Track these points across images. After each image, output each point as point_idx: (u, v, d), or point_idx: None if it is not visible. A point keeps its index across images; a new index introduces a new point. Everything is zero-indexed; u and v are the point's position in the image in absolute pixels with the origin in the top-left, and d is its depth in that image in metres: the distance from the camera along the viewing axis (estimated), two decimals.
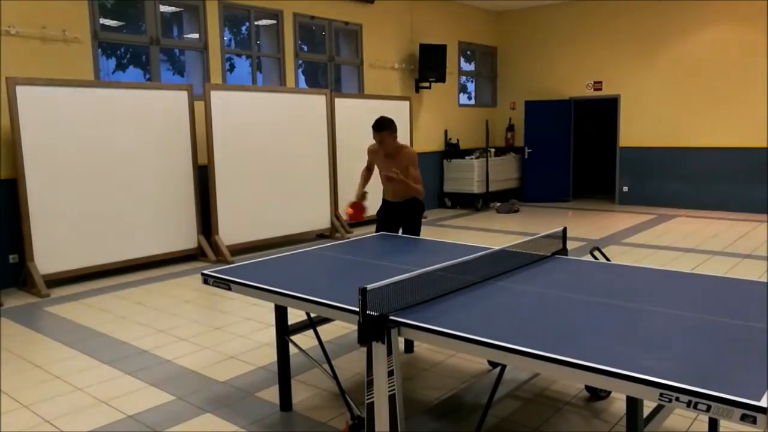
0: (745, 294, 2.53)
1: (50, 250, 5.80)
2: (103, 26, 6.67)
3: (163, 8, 7.25)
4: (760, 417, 1.48)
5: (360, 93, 9.58)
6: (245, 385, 3.51)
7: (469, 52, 12.15)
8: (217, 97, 6.93)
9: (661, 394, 1.63)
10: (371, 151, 4.74)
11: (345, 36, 9.63)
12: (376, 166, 4.76)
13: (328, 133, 8.28)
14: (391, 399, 2.23)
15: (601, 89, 11.23)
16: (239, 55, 8.60)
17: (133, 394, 3.42)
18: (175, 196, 6.82)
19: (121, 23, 7.25)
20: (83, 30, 6.34)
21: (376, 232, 4.60)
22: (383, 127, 4.49)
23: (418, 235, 4.58)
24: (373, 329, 2.20)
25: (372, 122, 4.49)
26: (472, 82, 12.47)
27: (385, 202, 4.74)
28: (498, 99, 12.65)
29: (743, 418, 1.51)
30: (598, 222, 9.29)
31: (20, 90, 5.55)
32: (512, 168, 11.84)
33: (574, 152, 11.90)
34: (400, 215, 4.63)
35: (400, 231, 4.57)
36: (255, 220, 7.43)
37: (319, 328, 3.11)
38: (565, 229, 3.44)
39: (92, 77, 6.44)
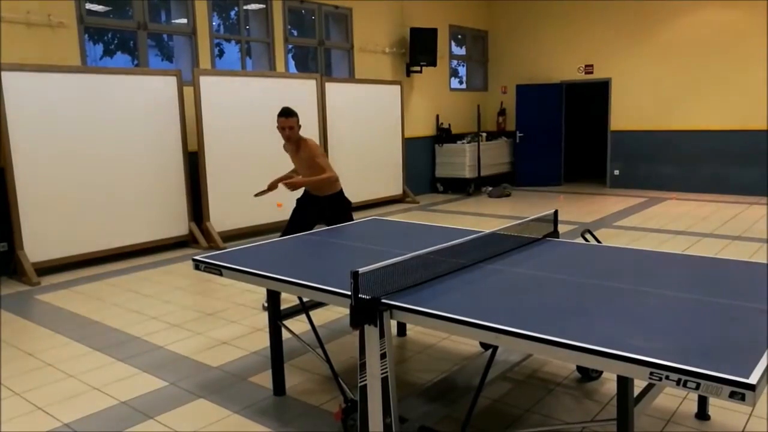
0: (735, 274, 2.55)
1: (40, 238, 5.76)
2: (89, 11, 6.57)
3: None
4: (748, 394, 1.50)
5: (351, 77, 9.52)
6: (238, 370, 3.52)
7: (460, 36, 12.08)
8: (206, 82, 6.87)
9: (651, 373, 1.64)
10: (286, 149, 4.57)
11: (335, 20, 9.55)
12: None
13: (318, 118, 8.23)
14: (384, 382, 2.24)
15: (592, 72, 11.21)
16: (228, 40, 8.53)
17: (126, 381, 3.42)
18: (165, 183, 6.78)
19: (108, 8, 7.15)
20: (69, 15, 6.24)
21: (292, 220, 4.50)
22: (293, 113, 4.35)
23: None
24: (366, 313, 2.20)
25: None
26: (463, 66, 12.42)
27: (307, 193, 4.63)
28: (489, 83, 12.61)
29: (732, 395, 1.52)
30: (590, 205, 9.32)
31: (6, 76, 5.48)
32: (504, 152, 11.83)
33: (566, 136, 11.90)
34: (324, 211, 4.53)
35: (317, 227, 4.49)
36: (246, 206, 7.38)
37: (311, 313, 3.12)
38: (556, 212, 3.45)
39: (79, 63, 6.36)
